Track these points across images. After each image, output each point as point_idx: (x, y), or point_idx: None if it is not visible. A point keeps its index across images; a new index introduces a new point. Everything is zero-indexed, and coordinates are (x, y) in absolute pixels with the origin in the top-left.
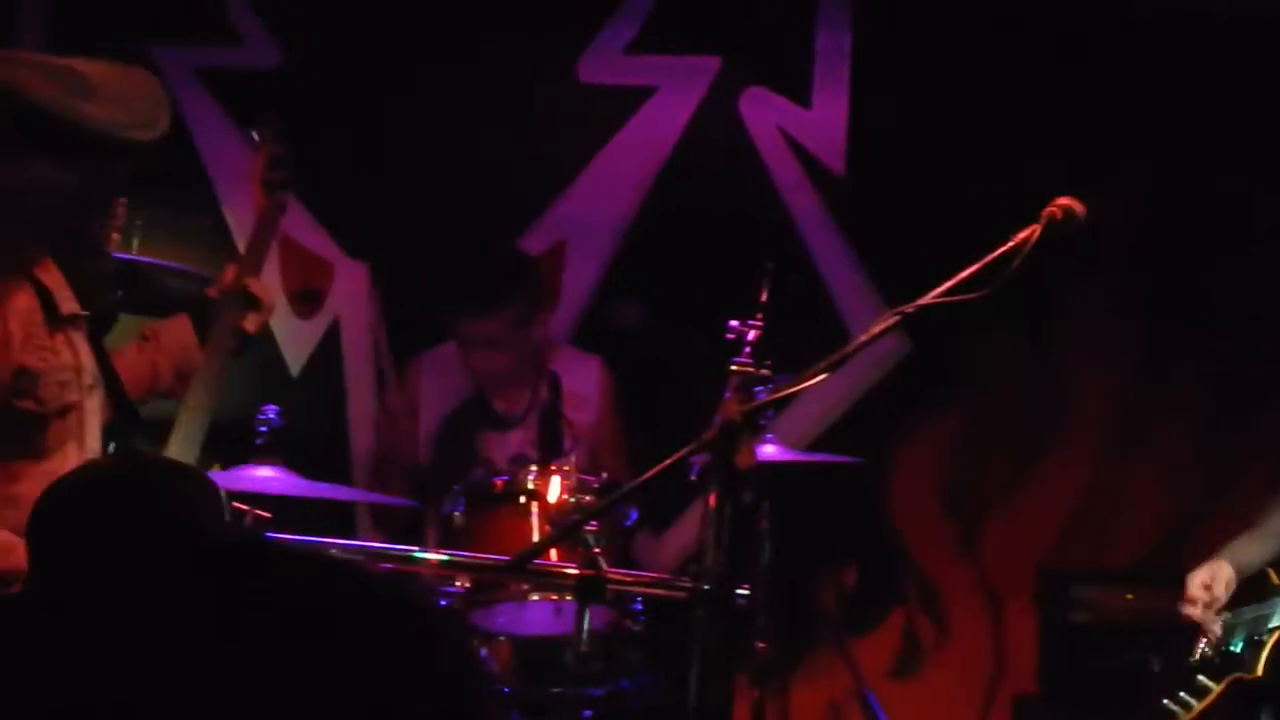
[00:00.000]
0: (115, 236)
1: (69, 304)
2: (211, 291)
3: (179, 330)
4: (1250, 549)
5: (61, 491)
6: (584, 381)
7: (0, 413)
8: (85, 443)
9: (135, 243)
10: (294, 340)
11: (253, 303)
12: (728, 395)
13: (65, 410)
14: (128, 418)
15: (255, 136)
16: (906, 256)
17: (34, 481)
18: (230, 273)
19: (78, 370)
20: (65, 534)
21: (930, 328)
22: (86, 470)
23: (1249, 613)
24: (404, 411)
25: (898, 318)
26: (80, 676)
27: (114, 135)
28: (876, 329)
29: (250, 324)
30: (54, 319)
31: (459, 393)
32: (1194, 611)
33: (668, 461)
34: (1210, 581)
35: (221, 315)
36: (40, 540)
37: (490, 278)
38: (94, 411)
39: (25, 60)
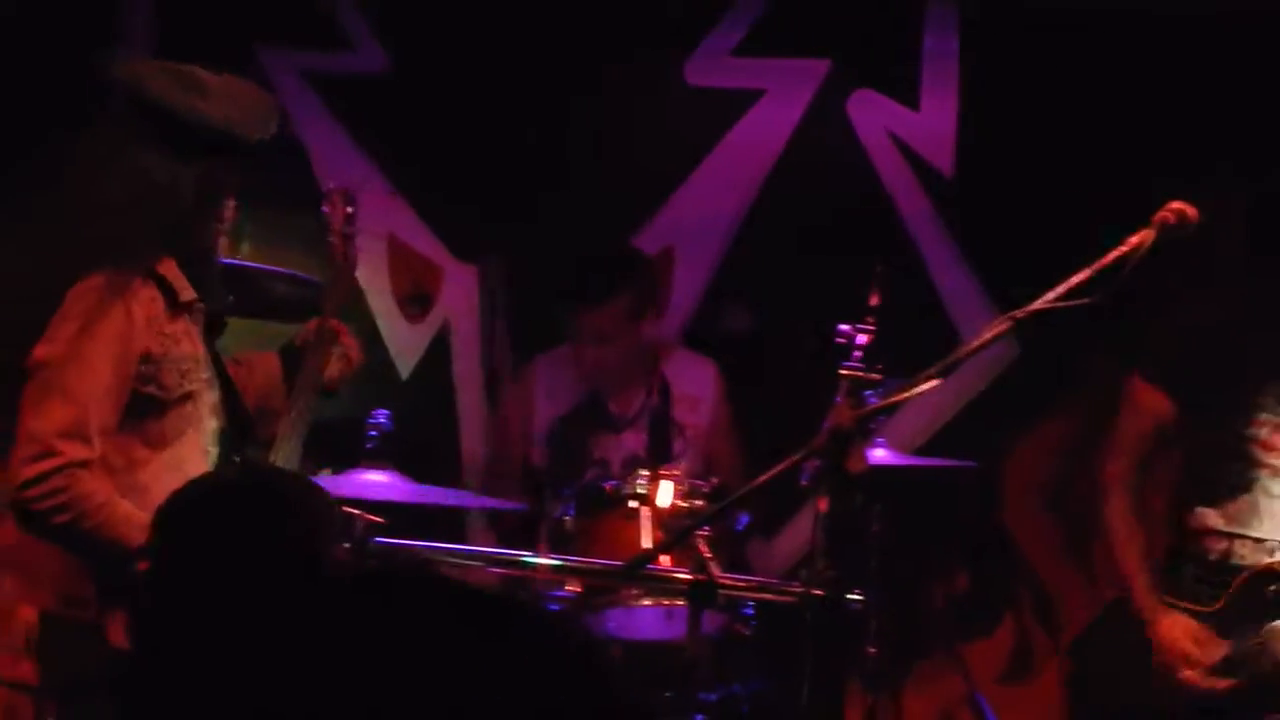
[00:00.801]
0: (224, 240)
1: (186, 292)
2: (299, 339)
3: (267, 367)
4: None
5: (187, 497)
6: (698, 383)
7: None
8: (202, 436)
9: (245, 247)
10: (403, 344)
11: (334, 348)
12: (838, 400)
13: (184, 398)
14: (241, 424)
15: (325, 208)
16: (1016, 259)
17: (155, 471)
18: (313, 321)
19: (196, 360)
20: (188, 541)
21: (1041, 331)
22: (211, 479)
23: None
24: (518, 413)
25: (1009, 324)
26: (201, 683)
27: (224, 131)
28: (987, 335)
29: (333, 369)
30: (174, 305)
31: (573, 395)
32: (1197, 677)
33: (779, 468)
34: (1196, 634)
35: (306, 360)
36: (164, 543)
37: (601, 269)
38: (210, 405)
39: (145, 62)
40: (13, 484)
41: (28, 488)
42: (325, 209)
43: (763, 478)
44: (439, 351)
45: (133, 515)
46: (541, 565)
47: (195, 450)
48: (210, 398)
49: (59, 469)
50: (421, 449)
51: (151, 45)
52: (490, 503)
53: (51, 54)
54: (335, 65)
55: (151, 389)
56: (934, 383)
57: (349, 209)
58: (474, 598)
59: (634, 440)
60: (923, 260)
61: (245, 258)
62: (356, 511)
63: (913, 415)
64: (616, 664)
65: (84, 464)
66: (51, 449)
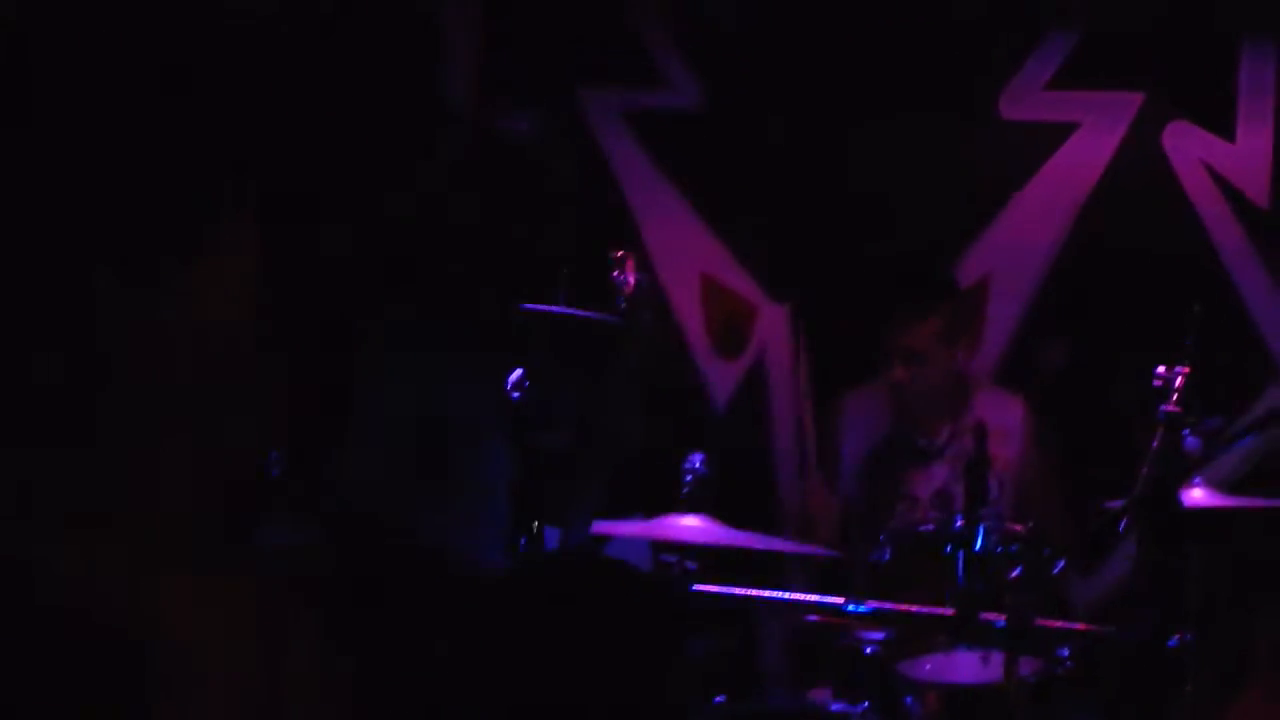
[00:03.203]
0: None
1: None
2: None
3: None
4: None
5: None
6: (1006, 418)
7: None
8: None
9: (561, 292)
10: (718, 381)
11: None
12: (1155, 443)
13: None
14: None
15: (614, 274)
16: None
17: None
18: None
19: None
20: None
21: None
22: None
23: None
24: (826, 452)
25: None
26: None
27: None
28: None
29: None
30: None
31: (880, 430)
32: None
33: (1098, 522)
34: None
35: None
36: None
37: (915, 288)
38: None
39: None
40: None
41: None
42: (615, 275)
43: (1081, 536)
44: (753, 389)
45: None
46: (858, 612)
47: None
48: None
49: None
50: (736, 491)
51: (474, 91)
52: (804, 548)
53: (373, 98)
54: (651, 103)
55: None
56: (1254, 437)
57: (637, 276)
58: None
59: (942, 473)
60: (1239, 292)
61: (564, 302)
62: (673, 559)
63: (1228, 454)
64: None
65: None
66: None
